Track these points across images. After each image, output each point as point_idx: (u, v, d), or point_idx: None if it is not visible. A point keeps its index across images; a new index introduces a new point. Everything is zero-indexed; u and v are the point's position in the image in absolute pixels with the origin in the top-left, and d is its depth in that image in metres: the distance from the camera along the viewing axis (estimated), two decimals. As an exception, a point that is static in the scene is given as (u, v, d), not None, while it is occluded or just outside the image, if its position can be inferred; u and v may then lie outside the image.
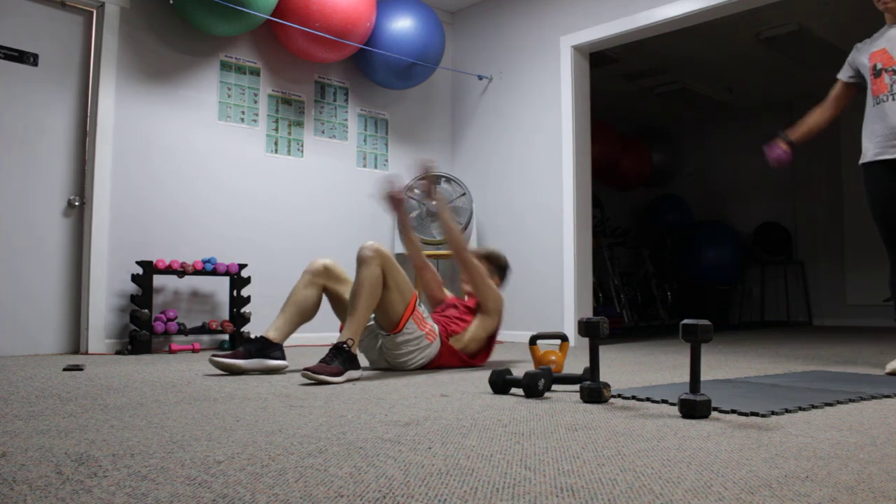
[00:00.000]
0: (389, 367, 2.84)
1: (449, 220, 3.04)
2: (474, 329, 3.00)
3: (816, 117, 3.16)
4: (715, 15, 4.33)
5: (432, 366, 2.89)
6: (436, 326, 2.86)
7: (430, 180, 3.19)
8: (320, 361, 2.42)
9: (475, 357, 3.04)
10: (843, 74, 3.09)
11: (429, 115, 5.58)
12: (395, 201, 3.07)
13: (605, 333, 1.91)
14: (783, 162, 3.17)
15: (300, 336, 4.28)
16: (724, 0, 4.12)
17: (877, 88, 2.90)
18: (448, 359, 2.91)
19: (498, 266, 3.25)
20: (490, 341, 3.06)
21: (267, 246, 4.58)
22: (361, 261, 2.62)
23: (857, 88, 3.07)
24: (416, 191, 5.00)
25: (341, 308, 2.96)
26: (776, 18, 5.77)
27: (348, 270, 3.11)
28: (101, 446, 1.35)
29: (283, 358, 2.77)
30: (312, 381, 2.37)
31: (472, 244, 5.02)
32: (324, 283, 2.91)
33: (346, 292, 2.93)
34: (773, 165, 3.20)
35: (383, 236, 5.14)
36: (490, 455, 1.28)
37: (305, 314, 2.85)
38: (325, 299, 2.97)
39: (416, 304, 2.76)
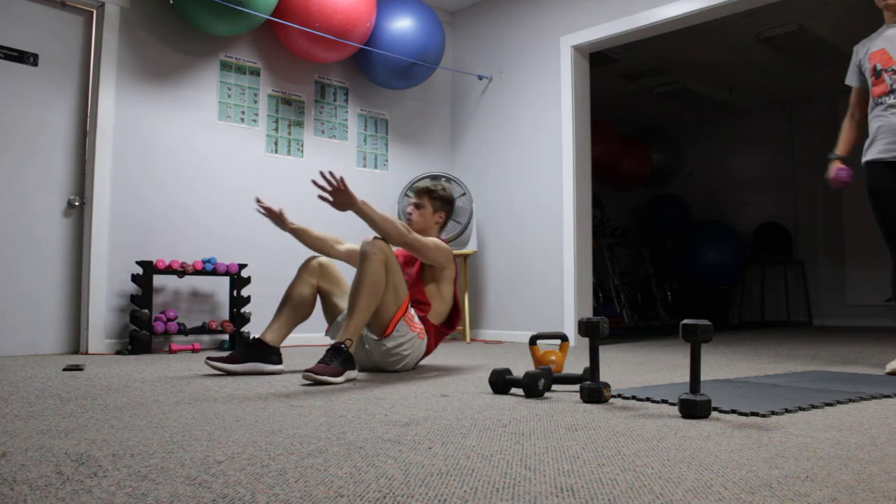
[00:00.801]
0: (381, 369, 2.80)
1: (373, 213, 2.61)
2: (439, 289, 2.92)
3: (849, 128, 3.16)
4: (715, 15, 4.33)
5: (425, 356, 2.90)
6: (420, 323, 2.83)
7: (338, 190, 2.56)
8: (319, 362, 2.41)
9: (453, 317, 2.99)
10: (853, 81, 3.09)
11: (429, 115, 5.58)
12: (273, 215, 2.90)
13: (605, 333, 1.91)
14: (847, 181, 3.08)
15: (297, 336, 4.28)
16: (724, 0, 4.12)
17: (878, 89, 2.92)
18: (437, 340, 2.90)
19: (441, 199, 3.04)
20: (455, 288, 3.00)
21: (267, 246, 4.58)
22: (365, 257, 2.56)
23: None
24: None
25: (330, 311, 2.92)
26: (776, 18, 5.77)
27: (344, 271, 3.11)
28: (101, 446, 1.35)
29: (279, 362, 2.75)
30: (313, 383, 2.37)
31: (473, 244, 5.02)
32: (317, 283, 2.86)
33: (337, 295, 2.90)
34: (838, 187, 3.12)
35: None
36: (490, 455, 1.28)
37: (301, 314, 2.82)
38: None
39: (408, 306, 2.73)
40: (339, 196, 2.54)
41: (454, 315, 3.01)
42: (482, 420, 1.66)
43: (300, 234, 2.94)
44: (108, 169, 3.99)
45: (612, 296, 7.41)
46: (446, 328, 2.97)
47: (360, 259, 2.58)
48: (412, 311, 2.78)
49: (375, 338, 2.70)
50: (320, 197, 2.52)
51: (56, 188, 3.92)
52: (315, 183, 2.55)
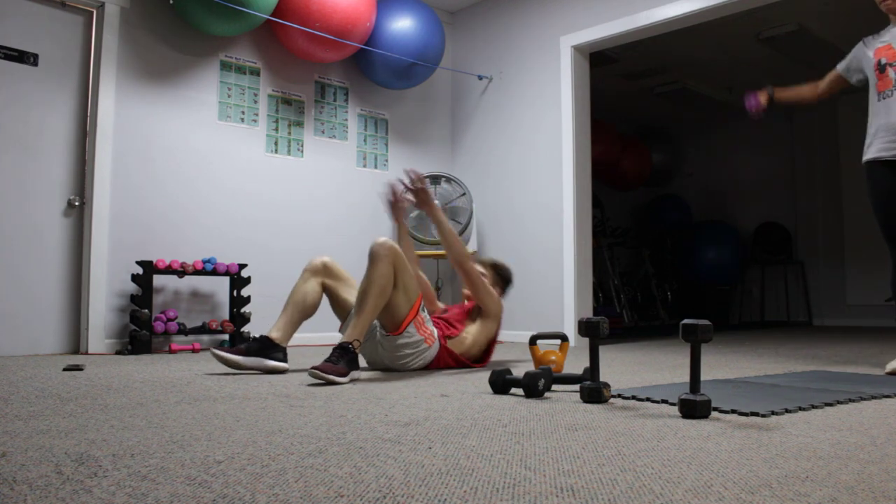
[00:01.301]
0: (386, 366, 2.83)
1: (445, 221, 2.98)
2: (476, 333, 3.00)
3: (806, 91, 3.28)
4: (715, 15, 4.33)
5: (430, 367, 2.89)
6: (435, 330, 2.85)
7: (423, 190, 2.99)
8: (326, 361, 2.41)
9: (476, 362, 3.05)
10: (841, 65, 3.17)
11: (429, 115, 5.58)
12: (397, 208, 3.09)
13: (605, 333, 1.91)
14: (757, 111, 3.20)
15: (300, 336, 4.28)
16: (724, 0, 4.12)
17: (881, 84, 2.90)
18: (447, 361, 2.90)
19: (502, 277, 3.26)
20: (490, 345, 3.07)
21: (267, 246, 4.58)
22: (375, 257, 2.59)
23: (846, 83, 3.18)
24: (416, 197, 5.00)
25: (340, 307, 2.96)
26: (776, 18, 5.77)
27: (347, 270, 3.11)
28: (101, 446, 1.35)
29: (284, 360, 2.76)
30: (321, 381, 2.37)
31: (472, 245, 5.02)
32: (323, 281, 2.91)
33: (344, 290, 2.94)
34: (749, 108, 3.22)
35: (384, 236, 5.13)
36: (490, 455, 1.28)
37: (306, 312, 2.85)
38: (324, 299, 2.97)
39: (419, 308, 2.75)
40: (420, 194, 2.93)
41: (481, 358, 3.07)
42: (482, 420, 1.66)
43: (402, 234, 3.16)
44: (108, 169, 3.99)
45: (612, 296, 7.41)
46: (465, 360, 2.97)
47: (369, 259, 2.61)
48: (425, 314, 2.80)
49: (386, 333, 2.73)
50: (402, 192, 2.95)
51: (56, 188, 3.92)
52: (401, 181, 2.94)
